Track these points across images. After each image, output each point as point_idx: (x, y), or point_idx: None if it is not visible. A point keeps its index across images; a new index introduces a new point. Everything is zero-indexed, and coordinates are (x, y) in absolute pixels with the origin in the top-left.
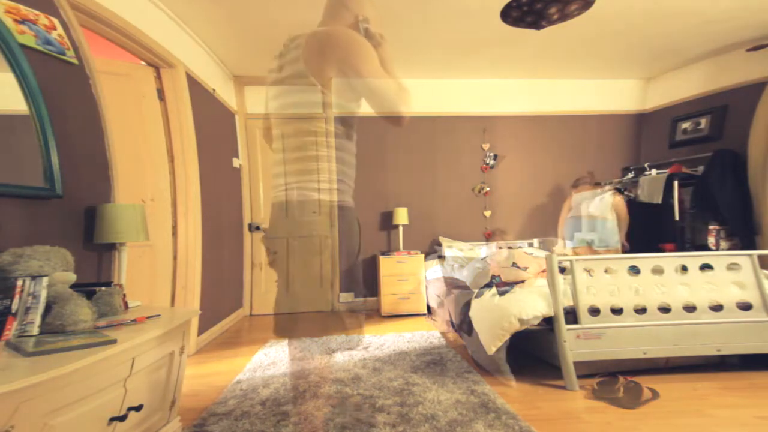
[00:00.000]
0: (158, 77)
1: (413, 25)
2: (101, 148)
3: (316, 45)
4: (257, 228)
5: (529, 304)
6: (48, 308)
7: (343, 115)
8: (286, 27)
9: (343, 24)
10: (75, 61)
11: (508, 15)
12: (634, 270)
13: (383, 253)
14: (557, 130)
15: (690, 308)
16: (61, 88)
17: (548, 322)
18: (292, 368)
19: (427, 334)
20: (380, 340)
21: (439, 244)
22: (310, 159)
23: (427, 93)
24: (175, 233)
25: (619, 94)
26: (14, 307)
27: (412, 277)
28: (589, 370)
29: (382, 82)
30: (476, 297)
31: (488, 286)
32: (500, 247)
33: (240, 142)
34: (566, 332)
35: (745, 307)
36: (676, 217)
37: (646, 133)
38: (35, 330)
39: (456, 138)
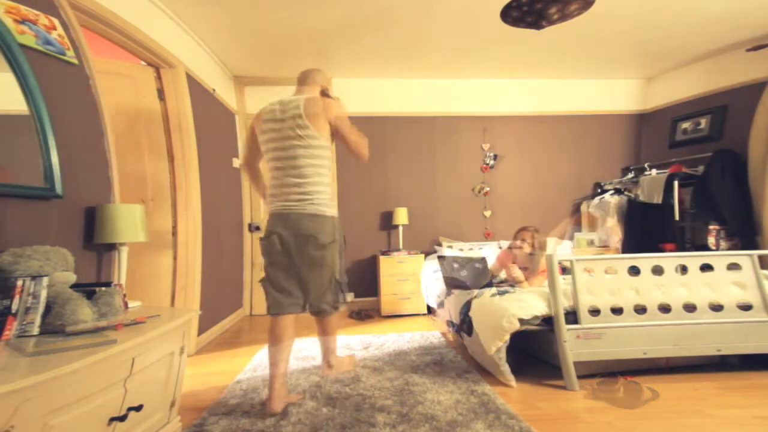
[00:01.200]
0: (158, 77)
1: (413, 25)
2: (101, 148)
3: (318, 105)
4: (257, 228)
5: (529, 304)
6: (48, 308)
7: (324, 149)
8: (286, 27)
9: (315, 90)
10: (75, 61)
11: (508, 15)
12: (634, 270)
13: (383, 253)
14: (557, 130)
15: (690, 308)
16: (61, 88)
17: (548, 322)
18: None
19: (427, 334)
20: (380, 340)
21: (439, 244)
22: (310, 184)
23: (427, 93)
24: (175, 233)
25: (619, 94)
26: (14, 307)
27: (412, 277)
28: (589, 370)
29: (353, 134)
30: (476, 297)
31: (488, 286)
32: (511, 247)
33: (240, 142)
34: (566, 332)
35: (746, 307)
36: (676, 217)
37: (646, 133)
38: (35, 330)
39: (456, 138)
